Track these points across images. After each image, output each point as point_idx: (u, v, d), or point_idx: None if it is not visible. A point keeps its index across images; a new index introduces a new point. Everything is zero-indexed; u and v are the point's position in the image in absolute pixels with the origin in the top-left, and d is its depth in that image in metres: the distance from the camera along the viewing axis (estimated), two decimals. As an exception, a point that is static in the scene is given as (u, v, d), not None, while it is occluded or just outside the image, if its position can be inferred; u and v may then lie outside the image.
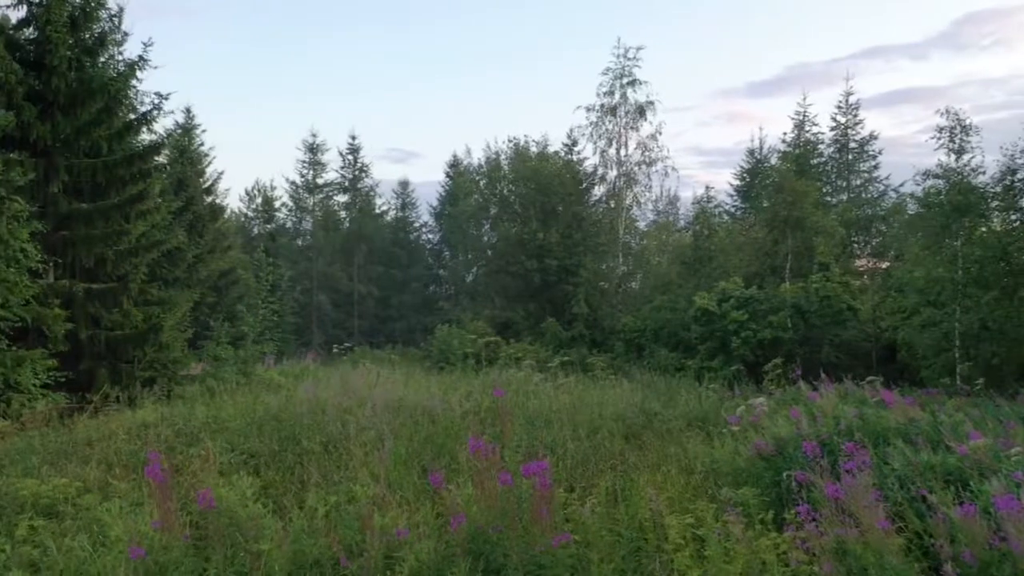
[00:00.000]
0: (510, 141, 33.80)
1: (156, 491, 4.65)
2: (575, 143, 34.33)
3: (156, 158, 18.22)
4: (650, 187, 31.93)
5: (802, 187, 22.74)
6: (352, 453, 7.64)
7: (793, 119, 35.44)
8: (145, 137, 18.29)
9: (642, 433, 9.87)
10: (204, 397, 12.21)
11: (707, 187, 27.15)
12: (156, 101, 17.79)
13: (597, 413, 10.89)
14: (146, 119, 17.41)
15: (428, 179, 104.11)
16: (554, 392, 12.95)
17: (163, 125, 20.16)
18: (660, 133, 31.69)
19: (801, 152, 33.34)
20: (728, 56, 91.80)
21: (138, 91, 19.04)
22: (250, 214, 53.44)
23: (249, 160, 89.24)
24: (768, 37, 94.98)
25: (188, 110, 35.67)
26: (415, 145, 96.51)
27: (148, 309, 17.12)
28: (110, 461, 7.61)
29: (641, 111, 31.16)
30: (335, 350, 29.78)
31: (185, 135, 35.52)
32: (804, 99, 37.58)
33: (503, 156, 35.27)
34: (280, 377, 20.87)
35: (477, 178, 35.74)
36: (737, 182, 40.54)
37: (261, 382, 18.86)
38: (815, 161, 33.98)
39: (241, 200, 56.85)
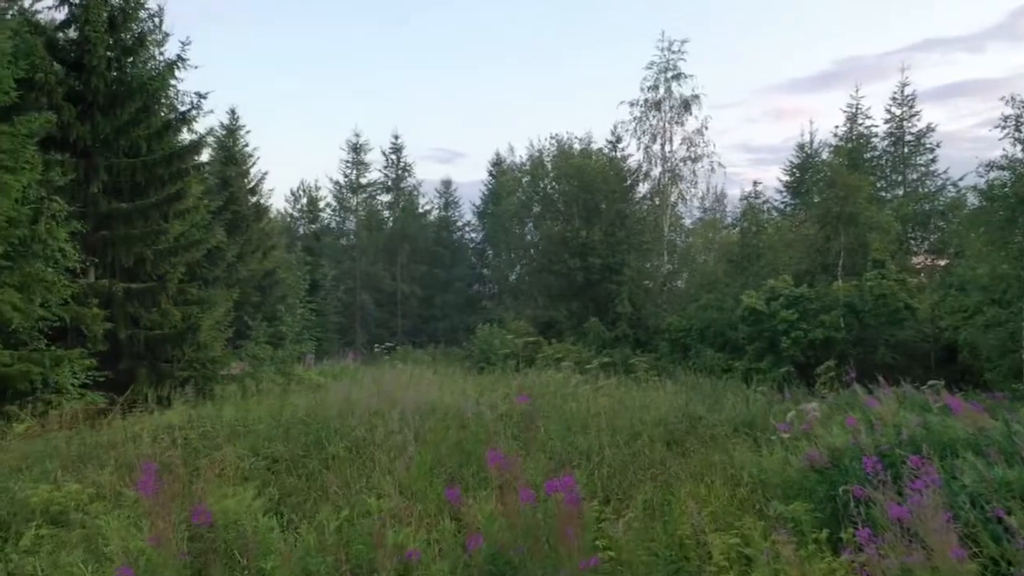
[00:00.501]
0: (552, 138, 33.34)
1: (152, 504, 4.34)
2: (619, 140, 33.77)
3: (196, 157, 18.25)
4: (696, 183, 31.19)
5: (855, 181, 21.81)
6: (377, 460, 7.30)
7: (845, 112, 34.25)
8: (186, 137, 18.32)
9: (685, 439, 9.36)
10: (234, 398, 12.02)
11: (755, 182, 26.31)
12: (195, 100, 17.84)
13: (638, 417, 10.39)
14: (185, 118, 17.42)
15: (473, 178, 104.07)
16: (593, 394, 12.47)
17: (203, 124, 20.25)
18: (706, 128, 30.94)
19: (854, 146, 32.19)
20: (775, 50, 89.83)
21: (178, 91, 19.13)
22: (295, 214, 53.95)
23: (295, 161, 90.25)
24: (816, 30, 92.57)
25: (233, 111, 35.96)
26: (460, 145, 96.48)
27: (187, 309, 17.10)
28: (131, 464, 7.39)
29: (686, 105, 30.41)
30: (376, 349, 29.68)
31: (229, 136, 35.87)
32: (857, 91, 36.38)
33: (546, 154, 34.81)
34: (319, 377, 20.78)
35: (519, 175, 35.30)
36: (786, 178, 39.41)
37: (300, 382, 18.76)
38: (868, 155, 32.79)
39: (287, 200, 57.47)
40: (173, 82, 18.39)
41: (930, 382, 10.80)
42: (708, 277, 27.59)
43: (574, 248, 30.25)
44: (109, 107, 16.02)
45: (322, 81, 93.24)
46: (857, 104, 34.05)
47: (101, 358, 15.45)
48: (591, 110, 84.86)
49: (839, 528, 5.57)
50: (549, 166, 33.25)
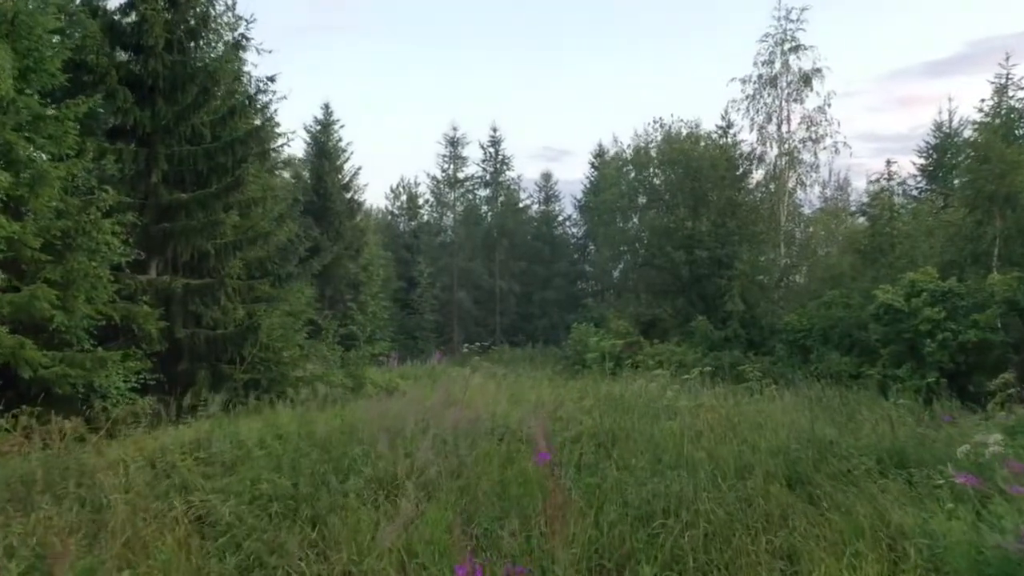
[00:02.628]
0: (656, 122, 30.78)
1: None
2: (729, 125, 30.74)
3: (267, 145, 17.18)
4: (817, 167, 27.94)
5: (1015, 155, 18.47)
6: (388, 509, 5.51)
7: (993, 83, 30.00)
8: (259, 124, 17.32)
9: (812, 476, 7.11)
10: (269, 408, 10.58)
11: (888, 161, 22.91)
12: (262, 84, 16.80)
13: (749, 443, 8.21)
14: (250, 102, 16.34)
15: (580, 176, 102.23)
16: (695, 410, 10.29)
17: (274, 109, 19.21)
18: (829, 105, 27.67)
19: (1003, 120, 28.07)
20: (901, 34, 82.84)
21: (250, 76, 18.19)
22: (395, 211, 53.49)
23: (399, 159, 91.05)
24: (946, 10, 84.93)
25: (327, 106, 35.49)
26: (568, 143, 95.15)
27: (254, 306, 16.02)
28: (99, 504, 5.92)
29: (806, 80, 27.26)
30: (466, 350, 28.17)
31: (323, 131, 35.34)
32: (1007, 60, 31.94)
33: (651, 140, 32.13)
34: (399, 379, 19.41)
35: (620, 164, 32.90)
36: (921, 161, 35.34)
37: (374, 385, 17.39)
38: (1022, 131, 28.55)
39: (387, 198, 57.14)
40: (246, 68, 17.53)
41: None
42: (832, 271, 24.52)
43: (679, 240, 27.75)
44: (171, 92, 15.06)
45: (428, 80, 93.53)
46: (1008, 74, 29.77)
47: (161, 359, 14.55)
48: (703, 104, 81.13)
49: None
50: (653, 153, 30.76)
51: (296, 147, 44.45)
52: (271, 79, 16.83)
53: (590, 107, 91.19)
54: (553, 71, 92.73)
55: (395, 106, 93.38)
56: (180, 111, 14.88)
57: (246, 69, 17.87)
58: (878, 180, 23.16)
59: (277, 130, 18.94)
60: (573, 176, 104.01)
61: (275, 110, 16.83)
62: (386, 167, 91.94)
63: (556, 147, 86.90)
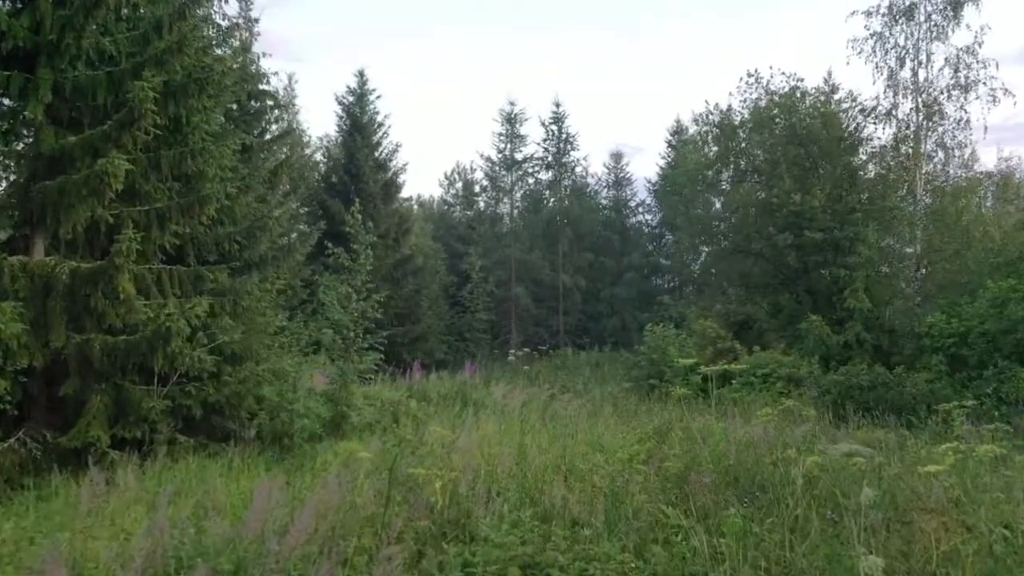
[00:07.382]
0: (751, 76, 24.69)
1: None
2: (834, 89, 24.46)
3: (219, 74, 12.35)
4: (966, 122, 21.53)
5: None
6: None
7: None
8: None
9: None
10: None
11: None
12: (205, -10, 12.02)
13: None
14: (186, 13, 11.53)
15: (656, 169, 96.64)
16: (897, 510, 4.87)
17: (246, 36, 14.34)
18: (981, 44, 21.34)
19: None
20: (996, 20, 73.06)
21: None
22: (450, 200, 48.86)
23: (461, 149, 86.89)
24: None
25: (361, 73, 31.00)
26: (641, 141, 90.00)
27: (200, 300, 11.30)
28: None
29: (955, 8, 21.01)
30: (511, 357, 22.97)
31: (358, 102, 30.88)
32: None
33: (744, 101, 25.85)
34: (413, 402, 14.48)
35: (705, 129, 26.92)
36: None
37: (362, 414, 12.46)
38: None
39: (440, 185, 52.54)
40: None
41: None
42: (996, 255, 18.39)
43: (782, 219, 21.90)
44: (62, -8, 10.44)
45: (494, 71, 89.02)
46: None
47: (46, 379, 10.02)
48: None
49: None
50: (746, 114, 24.84)
51: (328, 124, 40.11)
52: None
53: (668, 99, 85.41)
54: (628, 57, 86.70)
55: (458, 97, 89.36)
56: (69, 17, 10.20)
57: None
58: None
59: (253, 66, 14.21)
60: (648, 172, 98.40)
61: (246, 36, 11.94)
62: (447, 158, 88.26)
63: (632, 144, 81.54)
